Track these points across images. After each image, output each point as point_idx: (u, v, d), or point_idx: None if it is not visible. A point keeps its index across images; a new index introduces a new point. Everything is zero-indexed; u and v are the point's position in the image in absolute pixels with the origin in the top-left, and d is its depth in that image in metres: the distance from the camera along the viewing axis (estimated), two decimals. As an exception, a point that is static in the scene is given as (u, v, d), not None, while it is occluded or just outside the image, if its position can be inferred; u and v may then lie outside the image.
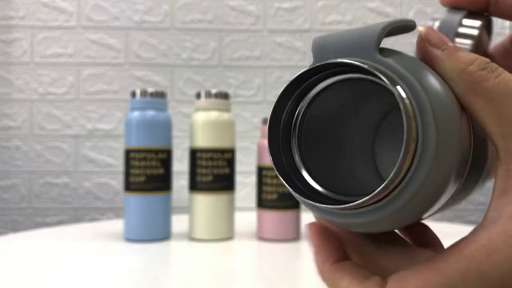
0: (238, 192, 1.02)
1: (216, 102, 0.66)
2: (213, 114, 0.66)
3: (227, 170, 0.66)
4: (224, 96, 0.67)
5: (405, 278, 0.18)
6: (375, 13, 1.04)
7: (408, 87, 0.18)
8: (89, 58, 1.01)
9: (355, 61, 0.18)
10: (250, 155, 1.02)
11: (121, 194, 1.01)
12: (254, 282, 0.45)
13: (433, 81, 0.18)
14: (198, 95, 0.67)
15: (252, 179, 1.02)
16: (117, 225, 0.77)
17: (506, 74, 0.18)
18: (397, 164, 0.17)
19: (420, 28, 0.21)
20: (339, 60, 0.19)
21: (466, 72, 0.19)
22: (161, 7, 1.01)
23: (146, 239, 0.63)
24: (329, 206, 0.19)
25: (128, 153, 0.64)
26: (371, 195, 0.17)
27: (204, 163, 0.65)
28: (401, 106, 0.17)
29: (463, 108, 0.19)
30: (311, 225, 0.22)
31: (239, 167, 1.02)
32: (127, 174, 0.64)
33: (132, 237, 0.64)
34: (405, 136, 0.17)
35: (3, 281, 0.45)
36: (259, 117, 1.02)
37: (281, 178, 0.20)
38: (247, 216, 0.88)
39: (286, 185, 0.20)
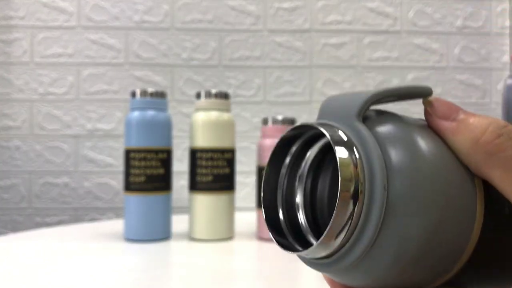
0: (238, 192, 1.02)
1: (216, 102, 0.66)
2: (213, 114, 0.66)
3: (227, 170, 0.66)
4: (224, 96, 0.67)
5: None
6: (375, 13, 1.04)
7: (362, 154, 0.17)
8: (89, 58, 1.01)
9: (316, 124, 0.18)
10: (250, 155, 1.02)
11: (121, 194, 1.01)
12: (254, 282, 0.45)
13: (406, 156, 0.17)
14: (198, 95, 0.67)
15: (252, 179, 1.02)
16: (117, 225, 0.77)
17: None
18: (331, 221, 0.16)
19: (425, 100, 0.19)
20: (298, 124, 0.19)
21: (480, 144, 0.17)
22: (161, 7, 1.01)
23: (146, 239, 0.63)
24: (286, 251, 0.19)
25: (128, 153, 0.64)
26: (314, 245, 0.17)
27: (204, 163, 0.65)
28: (338, 165, 0.17)
29: (477, 185, 0.18)
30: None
31: (239, 167, 1.02)
32: (127, 174, 0.64)
33: (132, 237, 0.64)
34: (338, 193, 0.16)
35: (3, 281, 0.45)
36: (259, 117, 1.02)
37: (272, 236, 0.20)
38: (247, 216, 0.88)
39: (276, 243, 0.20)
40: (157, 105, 0.65)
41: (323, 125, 0.18)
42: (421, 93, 0.19)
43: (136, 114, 0.64)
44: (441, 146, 0.18)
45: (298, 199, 0.22)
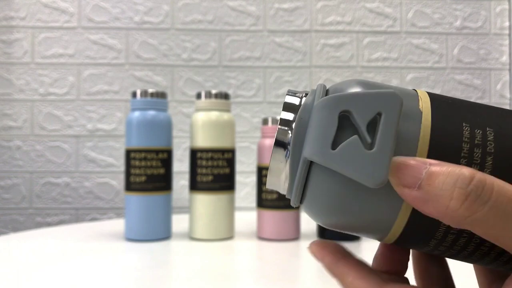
0: (238, 192, 1.02)
1: (216, 102, 0.66)
2: (213, 114, 0.66)
3: (227, 170, 0.66)
4: (224, 96, 0.67)
5: None
6: (375, 13, 1.04)
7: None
8: (90, 58, 1.01)
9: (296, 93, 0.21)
10: (250, 155, 1.02)
11: (121, 194, 1.01)
12: (254, 282, 0.46)
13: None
14: (198, 95, 0.67)
15: (252, 179, 1.02)
16: (117, 225, 0.78)
17: (495, 195, 0.16)
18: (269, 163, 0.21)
19: (392, 162, 0.18)
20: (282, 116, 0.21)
21: (448, 214, 0.16)
22: (161, 7, 1.02)
23: (147, 239, 0.64)
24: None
25: (128, 153, 0.65)
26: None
27: (204, 163, 0.65)
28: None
29: None
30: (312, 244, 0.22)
31: (239, 167, 1.02)
32: (128, 174, 0.65)
33: (132, 237, 0.64)
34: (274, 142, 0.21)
35: (3, 281, 0.45)
36: (259, 117, 1.02)
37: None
38: (247, 216, 0.89)
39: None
40: (158, 105, 0.65)
41: (298, 92, 0.21)
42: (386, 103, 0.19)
43: (136, 114, 0.64)
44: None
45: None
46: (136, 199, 0.64)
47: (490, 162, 0.18)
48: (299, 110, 0.20)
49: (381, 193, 0.19)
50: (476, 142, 0.18)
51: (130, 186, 0.64)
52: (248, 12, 1.03)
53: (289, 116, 0.20)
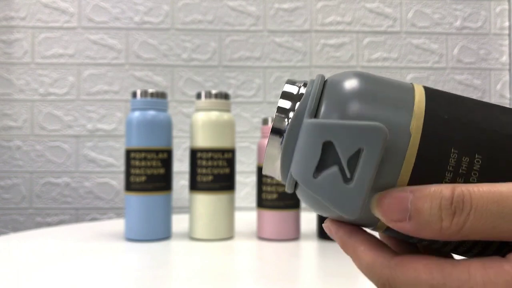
0: (238, 192, 1.02)
1: (216, 102, 0.66)
2: (213, 114, 0.66)
3: (227, 170, 0.66)
4: (224, 96, 0.67)
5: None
6: (375, 13, 1.04)
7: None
8: (90, 58, 1.01)
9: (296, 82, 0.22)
10: (250, 155, 1.02)
11: (121, 194, 1.01)
12: (254, 282, 0.46)
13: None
14: (198, 95, 0.67)
15: (252, 179, 1.02)
16: (117, 225, 0.78)
17: (474, 202, 0.17)
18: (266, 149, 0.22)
19: (373, 205, 0.19)
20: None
21: (442, 234, 0.18)
22: (161, 7, 1.02)
23: (147, 239, 0.64)
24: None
25: (128, 153, 0.65)
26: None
27: (204, 163, 0.65)
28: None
29: None
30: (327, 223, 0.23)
31: (239, 167, 1.02)
32: (128, 174, 0.65)
33: (132, 237, 0.64)
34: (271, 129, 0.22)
35: (3, 281, 0.45)
36: (259, 117, 1.02)
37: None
38: (247, 216, 0.89)
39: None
40: (158, 105, 0.65)
41: (297, 82, 0.22)
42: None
43: (136, 114, 0.64)
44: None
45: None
46: (136, 199, 0.64)
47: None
48: (291, 119, 0.20)
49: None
50: (460, 171, 0.19)
51: (130, 186, 0.64)
52: (248, 12, 1.03)
53: (287, 104, 0.21)
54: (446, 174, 0.19)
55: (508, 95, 1.06)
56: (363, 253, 0.20)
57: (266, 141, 0.67)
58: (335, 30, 1.03)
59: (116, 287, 0.43)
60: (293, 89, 0.21)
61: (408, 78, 1.04)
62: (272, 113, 1.02)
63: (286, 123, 0.21)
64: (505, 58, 1.05)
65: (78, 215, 1.01)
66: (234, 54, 1.02)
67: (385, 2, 1.04)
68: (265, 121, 0.68)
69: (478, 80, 1.05)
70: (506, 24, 1.06)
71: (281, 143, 0.21)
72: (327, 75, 1.03)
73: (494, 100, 1.05)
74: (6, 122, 1.00)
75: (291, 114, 0.21)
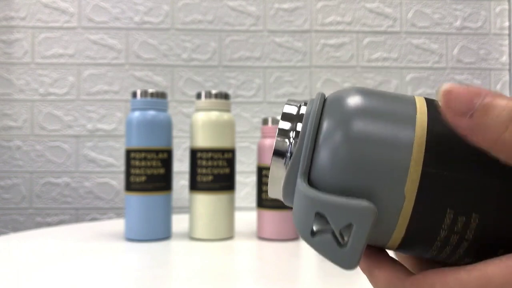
0: (238, 192, 1.02)
1: (216, 102, 0.66)
2: (213, 114, 0.66)
3: (227, 170, 0.66)
4: (224, 96, 0.67)
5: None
6: (375, 13, 1.04)
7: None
8: (90, 58, 1.01)
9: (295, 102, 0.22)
10: (250, 155, 1.02)
11: (121, 194, 1.01)
12: (254, 282, 0.46)
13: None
14: (198, 95, 0.67)
15: (252, 179, 1.02)
16: (117, 225, 0.78)
17: None
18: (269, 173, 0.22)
19: (439, 92, 0.18)
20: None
21: (499, 144, 0.16)
22: (161, 7, 1.02)
23: (147, 239, 0.64)
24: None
25: (128, 153, 0.65)
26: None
27: (204, 163, 0.65)
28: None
29: None
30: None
31: (239, 167, 1.02)
32: (128, 174, 0.65)
33: (132, 237, 0.64)
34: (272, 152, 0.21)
35: (3, 281, 0.45)
36: (259, 117, 1.02)
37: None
38: (247, 216, 0.89)
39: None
40: (158, 105, 0.65)
41: (297, 102, 0.22)
42: None
43: (136, 114, 0.64)
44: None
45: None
46: (136, 199, 0.64)
47: (466, 247, 0.19)
48: (290, 159, 0.21)
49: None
50: (455, 229, 0.19)
51: (130, 186, 0.64)
52: (248, 12, 1.03)
53: (287, 126, 0.21)
54: (441, 232, 0.19)
55: (508, 95, 1.06)
56: (378, 273, 0.20)
57: (266, 141, 0.67)
58: (335, 30, 1.03)
59: (116, 287, 0.43)
60: (292, 110, 0.21)
61: (408, 78, 1.04)
62: (272, 113, 1.02)
63: (288, 144, 0.21)
64: (505, 58, 1.05)
65: (78, 215, 1.01)
66: (234, 54, 1.02)
67: (385, 2, 1.04)
68: (265, 121, 0.68)
69: (478, 80, 1.05)
70: (506, 24, 1.06)
71: (285, 163, 0.21)
72: (327, 75, 1.03)
73: (494, 100, 1.05)
74: (6, 122, 1.00)
75: (292, 134, 0.21)
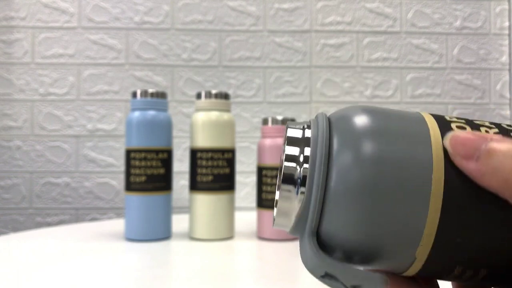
0: (238, 192, 1.02)
1: (216, 102, 0.66)
2: (213, 114, 0.66)
3: (227, 170, 0.66)
4: (224, 96, 0.67)
5: None
6: (375, 13, 1.04)
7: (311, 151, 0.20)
8: (90, 58, 1.01)
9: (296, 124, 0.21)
10: (250, 155, 1.02)
11: (121, 194, 1.01)
12: (254, 282, 0.46)
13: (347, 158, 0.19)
14: (198, 95, 0.67)
15: (252, 179, 1.02)
16: (117, 225, 0.78)
17: None
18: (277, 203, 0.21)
19: (445, 139, 0.18)
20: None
21: (510, 184, 0.16)
22: (161, 7, 1.02)
23: (147, 239, 0.64)
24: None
25: (128, 153, 0.65)
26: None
27: (204, 163, 0.65)
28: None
29: None
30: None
31: (239, 167, 1.02)
32: (128, 174, 0.65)
33: (132, 237, 0.64)
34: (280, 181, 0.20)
35: (3, 281, 0.45)
36: (259, 117, 1.02)
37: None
38: (247, 216, 0.89)
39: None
40: (158, 105, 0.65)
41: (298, 124, 0.21)
42: None
43: (136, 114, 0.64)
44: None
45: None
46: (136, 199, 0.64)
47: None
48: (302, 202, 0.20)
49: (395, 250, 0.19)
50: (462, 277, 0.19)
51: (130, 186, 0.64)
52: (248, 12, 1.03)
53: (295, 151, 0.20)
54: (448, 279, 0.20)
55: (508, 95, 1.06)
56: None
57: (266, 141, 0.67)
58: (335, 30, 1.03)
59: (116, 287, 0.43)
60: (297, 133, 0.20)
61: (408, 78, 1.04)
62: (272, 113, 1.02)
63: (298, 170, 0.20)
64: (505, 58, 1.05)
65: (78, 215, 1.01)
66: (234, 54, 1.02)
67: (385, 2, 1.04)
68: (265, 121, 0.68)
69: (478, 80, 1.05)
70: (506, 24, 1.06)
71: (297, 192, 0.20)
72: (327, 75, 1.03)
73: (494, 100, 1.05)
74: (6, 122, 1.00)
75: (301, 158, 0.20)
